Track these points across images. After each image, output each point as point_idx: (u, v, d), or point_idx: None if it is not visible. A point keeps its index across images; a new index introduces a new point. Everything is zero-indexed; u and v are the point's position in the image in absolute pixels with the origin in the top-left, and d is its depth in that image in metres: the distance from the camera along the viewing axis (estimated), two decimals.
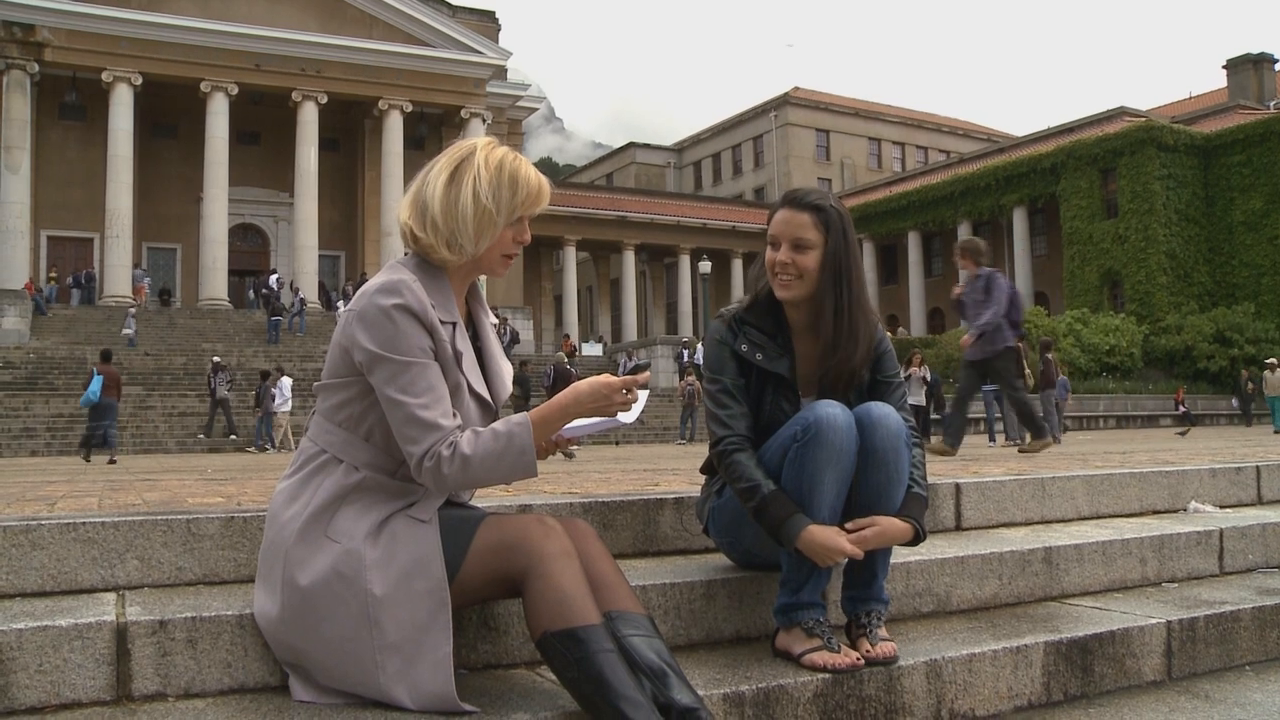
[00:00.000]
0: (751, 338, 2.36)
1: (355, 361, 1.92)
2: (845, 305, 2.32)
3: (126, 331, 28.51)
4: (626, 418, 1.98)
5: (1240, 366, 30.60)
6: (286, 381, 20.80)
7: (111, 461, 13.99)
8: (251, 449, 20.08)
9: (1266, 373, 21.52)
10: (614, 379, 1.95)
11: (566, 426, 1.97)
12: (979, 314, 7.88)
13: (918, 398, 16.54)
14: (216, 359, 22.37)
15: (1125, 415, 28.03)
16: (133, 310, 29.89)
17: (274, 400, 20.25)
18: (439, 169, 2.00)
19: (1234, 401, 29.69)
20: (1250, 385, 28.12)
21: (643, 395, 1.99)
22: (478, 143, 2.04)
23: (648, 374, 2.05)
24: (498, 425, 1.92)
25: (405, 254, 2.06)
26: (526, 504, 2.60)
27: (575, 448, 14.43)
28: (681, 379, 25.01)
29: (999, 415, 16.29)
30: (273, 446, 20.08)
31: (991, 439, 16.12)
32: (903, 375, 11.23)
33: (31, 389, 22.91)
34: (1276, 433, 18.75)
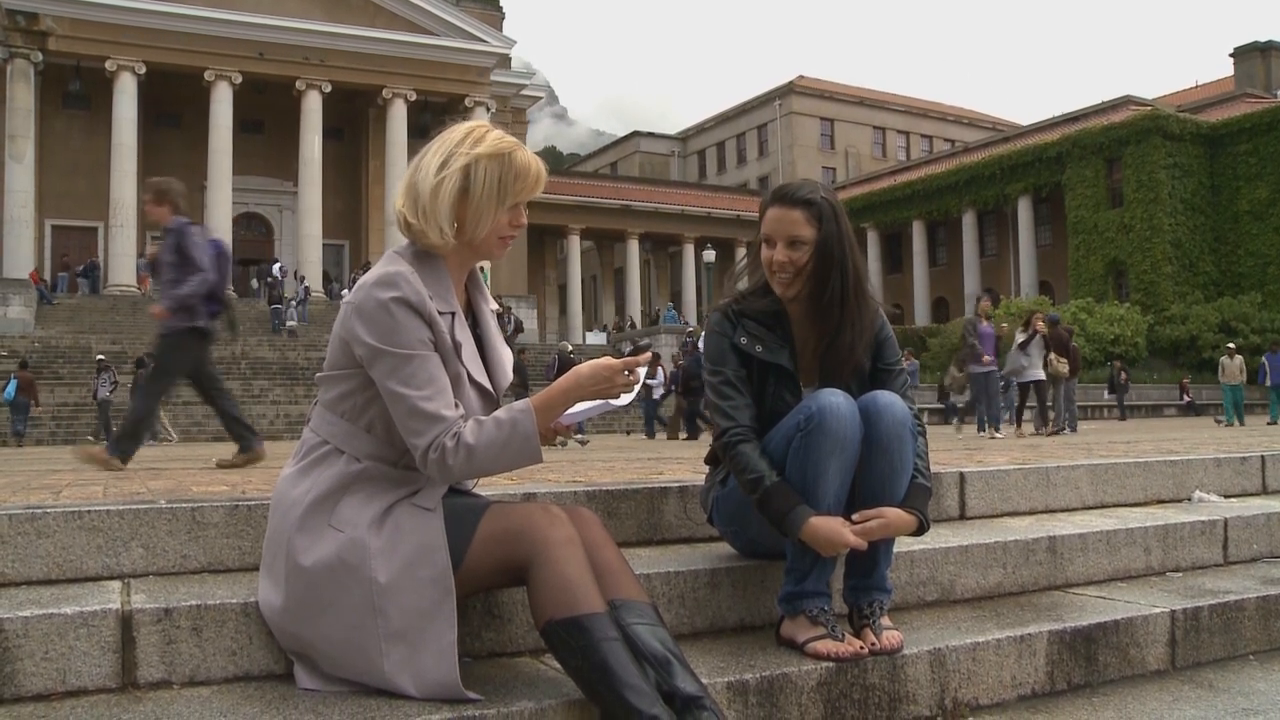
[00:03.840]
0: (750, 330, 2.35)
1: (355, 355, 1.92)
2: (844, 295, 2.31)
3: (291, 324, 29.14)
4: (623, 399, 1.98)
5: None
6: None
7: (19, 445, 18.48)
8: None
9: (1225, 359, 19.76)
10: (615, 361, 1.95)
11: (566, 412, 1.97)
12: (178, 281, 5.84)
13: (1036, 370, 13.39)
14: (100, 357, 20.99)
15: (1130, 405, 27.97)
16: (294, 302, 30.41)
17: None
18: (431, 155, 1.98)
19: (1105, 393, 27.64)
20: (1124, 375, 26.78)
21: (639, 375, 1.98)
22: (470, 127, 2.02)
23: (649, 355, 2.04)
24: (500, 413, 1.91)
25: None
26: (531, 492, 2.60)
27: (584, 436, 14.22)
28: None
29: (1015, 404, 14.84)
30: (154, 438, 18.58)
31: (981, 428, 14.23)
32: (1021, 338, 10.23)
33: (36, 378, 22.91)
34: (1228, 425, 17.31)
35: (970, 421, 15.03)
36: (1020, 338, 13.64)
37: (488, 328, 2.13)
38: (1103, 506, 3.61)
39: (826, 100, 58.83)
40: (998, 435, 12.40)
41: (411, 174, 2.00)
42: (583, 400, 1.95)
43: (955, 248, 45.66)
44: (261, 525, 2.25)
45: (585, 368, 1.95)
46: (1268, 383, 19.40)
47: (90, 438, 19.45)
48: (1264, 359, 19.83)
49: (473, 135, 1.99)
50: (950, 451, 5.85)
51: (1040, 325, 13.55)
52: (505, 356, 2.16)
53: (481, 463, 1.88)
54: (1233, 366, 19.36)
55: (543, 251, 46.53)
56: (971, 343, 13.00)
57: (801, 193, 2.32)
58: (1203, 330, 32.94)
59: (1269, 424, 18.06)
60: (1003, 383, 14.19)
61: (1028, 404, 14.23)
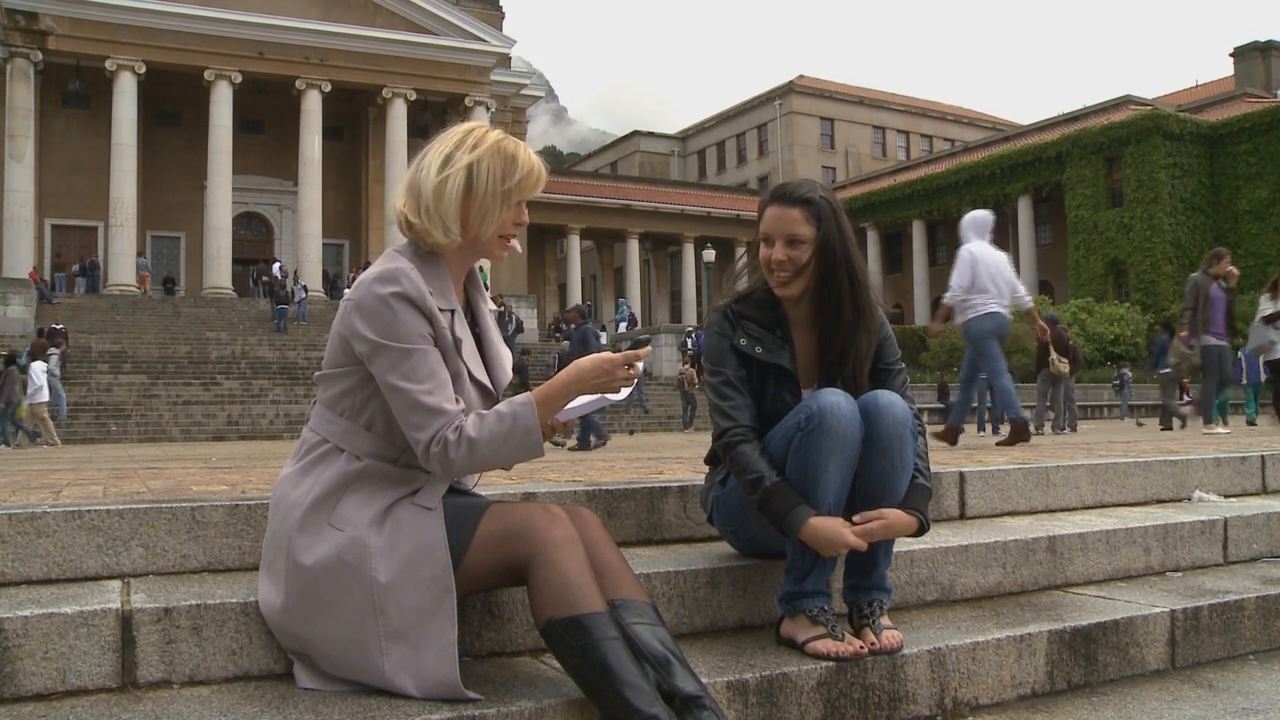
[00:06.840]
0: (750, 331, 2.35)
1: (356, 351, 1.92)
2: (844, 295, 2.31)
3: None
4: (622, 393, 1.98)
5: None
6: (38, 367, 18.09)
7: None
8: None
9: None
10: (615, 355, 1.96)
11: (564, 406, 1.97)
12: None
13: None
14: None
15: (1130, 405, 27.96)
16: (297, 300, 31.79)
17: (29, 388, 17.52)
18: (432, 155, 1.99)
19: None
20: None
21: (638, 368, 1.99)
22: (470, 127, 2.03)
23: (649, 349, 2.05)
24: (502, 406, 1.92)
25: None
26: (531, 491, 2.60)
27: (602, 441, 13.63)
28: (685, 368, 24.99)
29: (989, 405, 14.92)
30: (28, 439, 17.63)
31: (981, 428, 14.52)
32: (1268, 308, 8.59)
33: None
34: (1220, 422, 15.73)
35: (1195, 414, 11.66)
36: (1267, 308, 10.59)
37: (487, 326, 2.14)
38: (1102, 506, 3.61)
39: (826, 100, 58.83)
40: (1220, 431, 9.55)
41: (413, 174, 2.00)
42: (584, 394, 1.96)
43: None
44: (261, 525, 2.25)
45: (586, 361, 1.95)
46: (1244, 380, 18.86)
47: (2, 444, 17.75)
48: (1240, 354, 18.95)
49: (474, 135, 2.00)
50: (951, 452, 5.85)
51: None
52: (505, 355, 2.16)
53: (483, 456, 1.88)
54: None
55: (543, 251, 46.51)
56: (1186, 308, 9.97)
57: (800, 192, 2.32)
58: None
59: (1249, 424, 17.32)
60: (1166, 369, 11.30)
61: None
